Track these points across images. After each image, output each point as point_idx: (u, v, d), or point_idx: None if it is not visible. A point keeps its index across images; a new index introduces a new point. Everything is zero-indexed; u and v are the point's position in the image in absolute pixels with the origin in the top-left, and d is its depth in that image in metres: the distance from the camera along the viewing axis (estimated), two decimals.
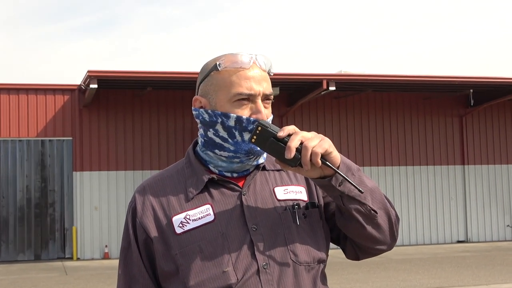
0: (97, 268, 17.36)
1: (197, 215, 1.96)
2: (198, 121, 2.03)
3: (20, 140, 20.22)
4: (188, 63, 62.98)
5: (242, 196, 1.98)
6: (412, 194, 23.04)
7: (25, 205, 20.18)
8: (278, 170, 2.06)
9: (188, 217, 1.96)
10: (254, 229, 1.94)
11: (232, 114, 1.94)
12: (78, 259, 19.91)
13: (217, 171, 2.01)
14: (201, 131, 2.03)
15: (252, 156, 1.99)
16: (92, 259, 19.98)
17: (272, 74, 2.03)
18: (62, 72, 54.14)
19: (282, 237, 1.95)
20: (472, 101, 22.55)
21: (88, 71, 18.01)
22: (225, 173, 2.01)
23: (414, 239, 22.87)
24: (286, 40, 64.04)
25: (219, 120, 1.96)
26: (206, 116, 1.99)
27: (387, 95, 22.87)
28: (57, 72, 54.75)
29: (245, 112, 1.95)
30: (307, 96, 20.20)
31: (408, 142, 23.14)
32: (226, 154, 1.98)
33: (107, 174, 20.43)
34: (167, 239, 1.96)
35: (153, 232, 1.98)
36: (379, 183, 22.55)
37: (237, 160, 1.99)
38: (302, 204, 2.02)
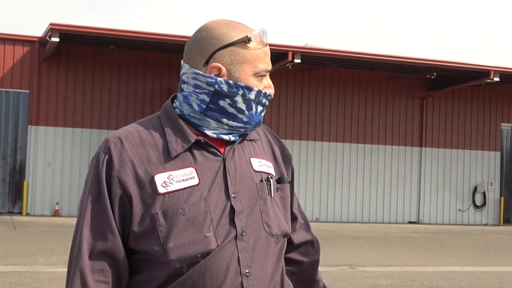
0: (47, 225, 17.08)
1: (181, 176, 1.93)
2: (211, 88, 1.98)
3: None
4: (153, 24, 62.19)
5: (226, 162, 1.99)
6: (368, 172, 23.18)
7: None
8: (250, 140, 2.10)
9: (171, 177, 1.93)
10: (234, 196, 1.96)
11: (254, 88, 1.99)
12: (27, 214, 19.62)
13: (214, 135, 2.01)
14: (203, 97, 1.99)
15: (257, 126, 2.05)
16: (42, 215, 19.69)
17: None
18: (23, 23, 52.96)
19: (258, 207, 1.99)
20: (432, 80, 22.73)
21: (50, 24, 17.65)
22: (222, 136, 2.01)
23: (367, 216, 23.06)
24: (253, 9, 63.64)
25: (240, 92, 1.98)
26: (224, 86, 1.98)
27: (351, 72, 22.87)
28: (17, 22, 53.53)
29: (261, 86, 2.01)
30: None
31: (368, 120, 23.21)
32: (235, 124, 2.00)
33: (63, 130, 20.07)
34: (147, 198, 1.92)
35: (132, 189, 1.92)
36: (336, 159, 22.67)
37: (243, 130, 2.02)
38: (274, 178, 2.08)
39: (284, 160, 2.17)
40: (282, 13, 63.44)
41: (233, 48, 1.98)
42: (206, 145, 1.98)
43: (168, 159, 1.95)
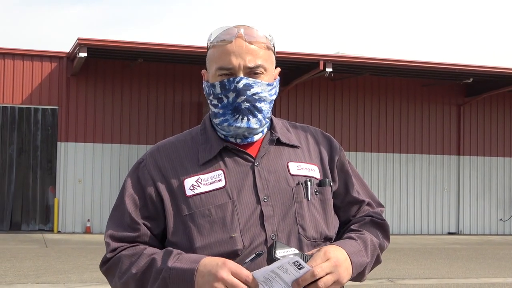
0: (78, 242, 17.04)
1: (209, 179, 2.03)
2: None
3: (4, 107, 19.73)
4: (182, 36, 62.45)
5: (255, 166, 2.05)
6: (405, 182, 22.71)
7: (6, 174, 19.68)
8: (292, 146, 2.13)
9: (199, 180, 2.03)
10: (265, 200, 2.02)
11: (216, 82, 2.03)
12: (58, 232, 19.57)
13: (223, 137, 2.09)
14: None
15: (237, 115, 2.03)
16: (73, 233, 19.62)
17: (268, 45, 2.06)
18: (51, 39, 53.46)
19: (292, 211, 2.03)
20: (468, 85, 22.29)
21: (78, 39, 17.68)
22: (229, 138, 2.08)
23: (405, 228, 22.59)
24: (284, 19, 63.56)
25: (211, 91, 2.06)
26: (206, 89, 2.10)
27: (385, 80, 22.47)
28: (45, 38, 54.05)
29: None
30: (302, 76, 19.84)
31: (404, 129, 22.77)
32: (218, 120, 2.07)
33: (93, 146, 19.99)
34: (177, 201, 2.03)
35: (163, 191, 2.04)
36: (371, 170, 22.23)
37: (226, 124, 2.04)
38: (315, 182, 2.09)
39: (330, 155, 2.17)
40: (312, 22, 63.24)
41: (208, 52, 2.09)
42: (235, 150, 2.07)
43: (199, 165, 2.05)
